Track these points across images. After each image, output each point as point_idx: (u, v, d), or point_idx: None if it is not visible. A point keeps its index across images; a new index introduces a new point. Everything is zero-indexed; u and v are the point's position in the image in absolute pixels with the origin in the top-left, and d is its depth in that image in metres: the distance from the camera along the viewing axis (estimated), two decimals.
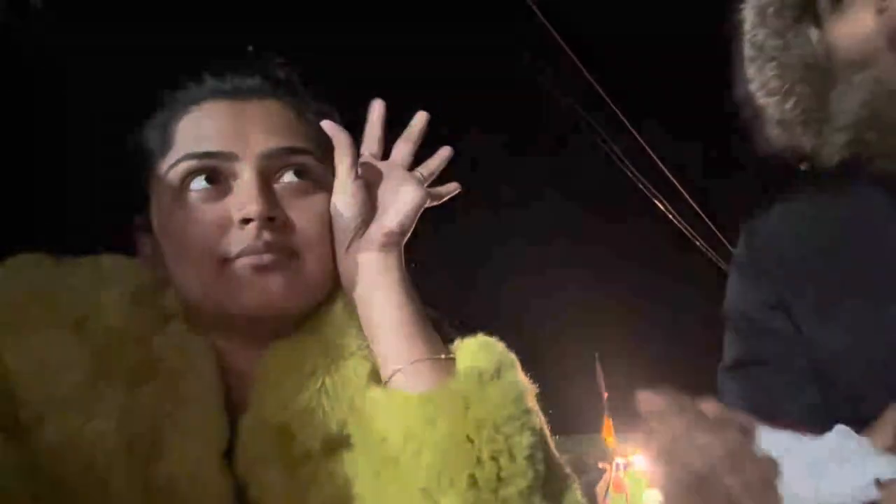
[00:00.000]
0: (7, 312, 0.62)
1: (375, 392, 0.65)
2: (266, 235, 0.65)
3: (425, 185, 0.73)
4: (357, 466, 0.63)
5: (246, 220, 0.65)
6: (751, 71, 0.75)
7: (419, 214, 0.72)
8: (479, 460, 0.58)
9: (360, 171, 0.72)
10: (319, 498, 0.63)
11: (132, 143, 0.72)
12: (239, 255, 0.65)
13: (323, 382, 0.66)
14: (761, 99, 0.74)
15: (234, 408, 0.66)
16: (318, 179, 0.71)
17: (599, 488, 8.18)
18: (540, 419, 0.65)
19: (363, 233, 0.70)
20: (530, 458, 0.60)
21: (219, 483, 0.62)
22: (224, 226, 0.66)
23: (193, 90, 0.71)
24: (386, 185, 0.73)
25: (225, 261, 0.65)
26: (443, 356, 0.66)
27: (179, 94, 0.72)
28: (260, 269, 0.65)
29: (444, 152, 0.77)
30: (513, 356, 0.67)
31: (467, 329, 0.70)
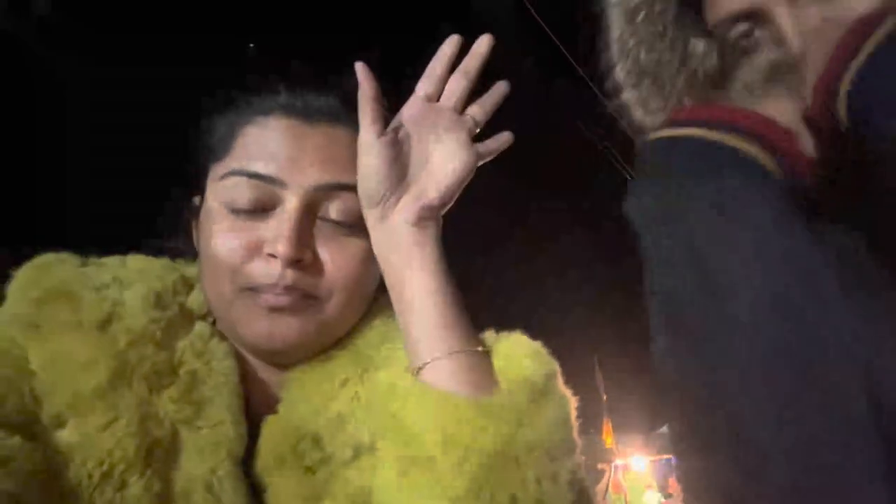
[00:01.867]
0: (32, 311, 0.62)
1: (407, 382, 0.61)
2: (290, 276, 0.63)
3: (476, 130, 0.68)
4: (380, 469, 0.61)
5: (273, 255, 0.63)
6: (621, 77, 0.71)
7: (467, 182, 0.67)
8: (524, 482, 0.56)
9: (397, 121, 0.67)
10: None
11: (201, 134, 0.70)
12: (259, 290, 0.64)
13: (356, 392, 0.65)
14: (637, 113, 0.71)
15: (253, 415, 0.65)
16: (360, 223, 0.67)
17: (599, 489, 8.18)
18: (577, 436, 0.63)
19: (397, 199, 0.65)
20: (572, 482, 0.58)
21: (234, 490, 0.61)
22: (252, 252, 0.64)
23: (266, 98, 0.68)
24: (431, 135, 0.67)
25: (244, 289, 0.64)
26: (479, 348, 0.63)
27: (253, 97, 0.68)
28: (276, 309, 0.64)
29: (501, 87, 0.70)
30: (555, 364, 0.64)
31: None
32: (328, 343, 0.68)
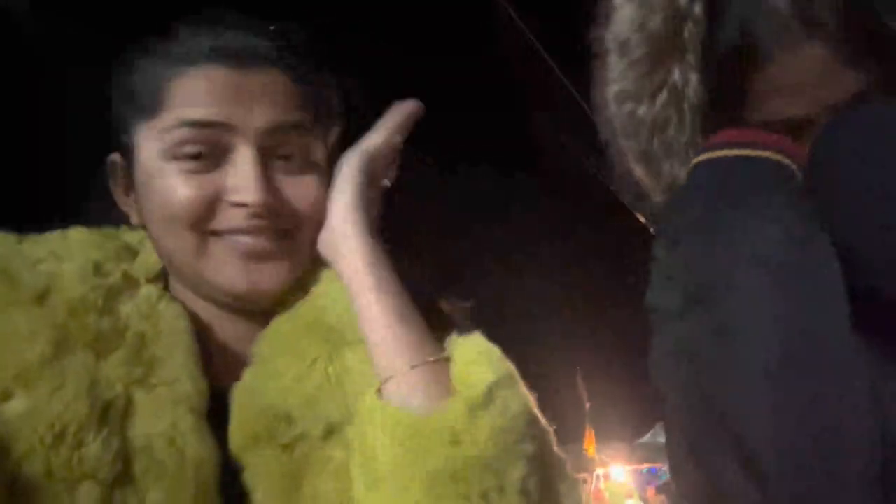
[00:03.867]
0: None
1: (371, 400, 0.61)
2: (259, 220, 0.64)
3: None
4: (354, 480, 0.60)
5: (239, 205, 0.63)
6: (619, 123, 0.72)
7: (360, 172, 0.68)
8: (467, 498, 0.55)
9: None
10: (315, 483, 0.61)
11: (118, 87, 0.69)
12: (228, 232, 0.64)
13: (327, 372, 0.64)
14: (631, 162, 0.72)
15: (216, 376, 0.65)
16: (314, 156, 0.69)
17: None
18: (538, 435, 0.60)
19: None
20: (522, 490, 0.56)
21: (199, 447, 0.61)
22: (212, 201, 0.64)
23: (190, 45, 0.66)
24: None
25: (210, 233, 0.64)
26: (433, 358, 0.62)
27: (174, 46, 0.67)
28: (251, 255, 0.64)
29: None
30: (508, 366, 0.62)
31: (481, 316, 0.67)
32: (298, 283, 0.68)
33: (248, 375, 0.65)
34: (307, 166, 0.68)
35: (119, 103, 0.68)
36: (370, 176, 0.69)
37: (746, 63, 0.65)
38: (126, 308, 0.65)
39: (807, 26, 0.63)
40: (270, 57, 0.68)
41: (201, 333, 0.67)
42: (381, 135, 0.70)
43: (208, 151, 0.64)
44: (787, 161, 0.58)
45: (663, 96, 0.67)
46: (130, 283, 0.67)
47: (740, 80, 0.65)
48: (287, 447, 0.62)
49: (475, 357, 0.61)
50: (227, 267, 0.65)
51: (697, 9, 0.65)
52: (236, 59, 0.66)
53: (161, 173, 0.65)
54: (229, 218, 0.64)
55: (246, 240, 0.64)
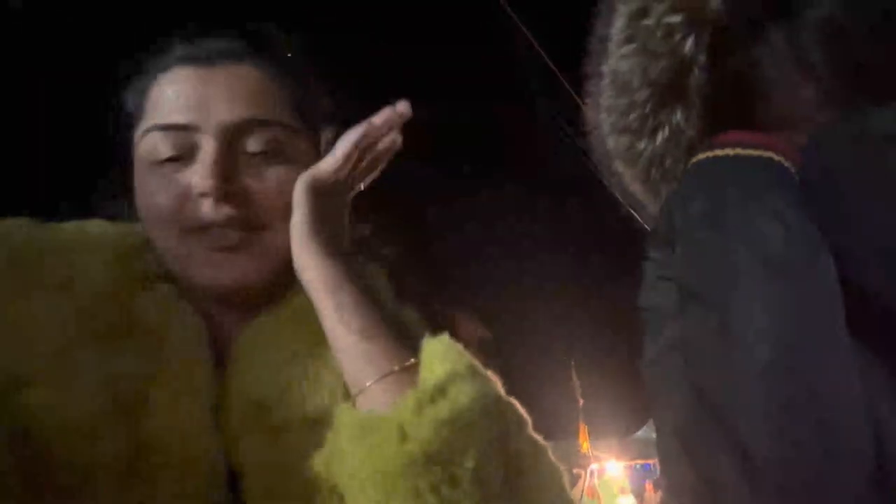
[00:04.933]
0: None
1: (341, 412, 0.61)
2: (227, 210, 0.65)
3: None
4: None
5: (203, 195, 0.65)
6: (612, 146, 0.73)
7: (312, 189, 0.67)
8: (417, 493, 0.55)
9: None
10: (304, 469, 0.61)
11: (115, 105, 0.72)
12: (203, 229, 0.65)
13: (305, 367, 0.65)
14: (628, 180, 0.73)
15: (224, 370, 0.66)
16: (288, 151, 0.69)
17: (574, 494, 8.20)
18: (497, 424, 0.60)
19: None
20: (476, 479, 0.56)
21: (209, 440, 0.62)
22: (187, 197, 0.66)
23: (164, 55, 0.70)
24: None
25: (189, 231, 0.65)
26: (408, 363, 0.62)
27: (154, 59, 0.70)
28: (225, 248, 0.65)
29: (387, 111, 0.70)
30: (467, 360, 0.61)
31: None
32: (282, 274, 0.68)
33: (232, 366, 0.66)
34: (280, 161, 0.68)
35: (115, 117, 0.71)
36: (324, 196, 0.68)
37: (744, 102, 0.66)
38: (144, 302, 0.66)
39: (802, 69, 0.64)
40: (239, 52, 0.69)
41: (210, 329, 0.68)
42: (330, 161, 0.69)
43: (180, 153, 0.66)
44: (784, 161, 0.59)
45: (664, 134, 0.68)
46: (148, 278, 0.68)
47: (738, 114, 0.67)
48: (274, 434, 0.63)
49: (434, 356, 0.61)
50: (202, 262, 0.66)
51: (701, 57, 0.66)
52: (206, 58, 0.68)
53: (144, 178, 0.68)
54: (199, 213, 0.65)
55: (216, 232, 0.65)
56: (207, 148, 0.66)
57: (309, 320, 0.67)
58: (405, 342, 0.64)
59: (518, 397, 0.63)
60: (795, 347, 0.51)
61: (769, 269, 0.53)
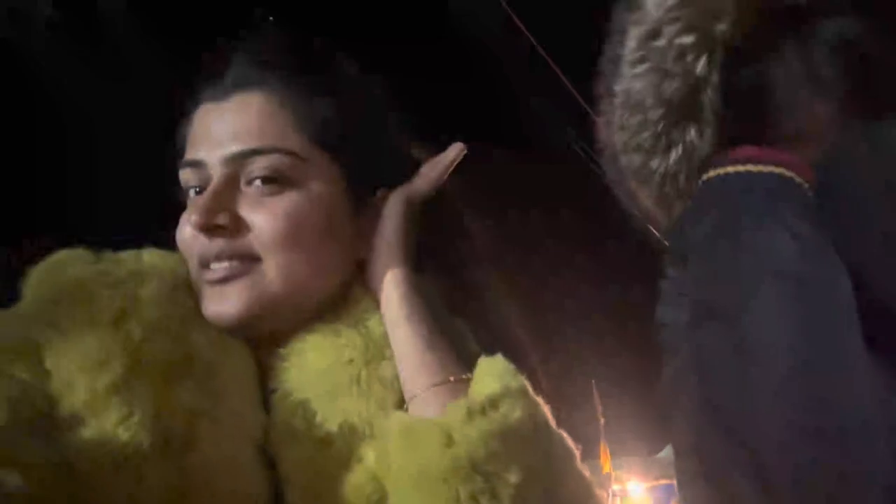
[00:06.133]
0: (47, 310, 0.62)
1: (393, 418, 0.63)
2: (218, 244, 0.66)
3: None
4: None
5: (198, 230, 0.67)
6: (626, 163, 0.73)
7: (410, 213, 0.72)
8: (457, 501, 0.55)
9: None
10: (348, 480, 0.62)
11: (176, 143, 0.75)
12: (205, 263, 0.67)
13: (359, 373, 0.65)
14: (641, 198, 0.73)
15: (269, 397, 0.67)
16: (294, 177, 0.69)
17: None
18: (546, 448, 0.61)
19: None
20: (517, 497, 0.56)
21: (255, 476, 0.62)
22: (194, 233, 0.68)
23: (196, 94, 0.73)
24: None
25: (199, 265, 0.68)
26: (463, 376, 0.64)
27: (192, 96, 0.73)
28: (219, 280, 0.66)
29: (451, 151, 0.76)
30: (521, 381, 0.63)
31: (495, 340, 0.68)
32: (292, 311, 0.69)
33: (281, 374, 0.67)
34: (284, 189, 0.68)
35: (173, 151, 0.74)
36: (413, 217, 0.72)
37: (757, 118, 0.67)
38: (197, 336, 0.66)
39: (815, 85, 0.65)
40: (250, 81, 0.70)
41: (258, 359, 0.69)
42: (426, 180, 0.74)
43: (200, 185, 0.69)
44: (797, 177, 0.59)
45: (677, 152, 0.69)
46: (201, 310, 0.68)
47: (751, 131, 0.67)
48: (324, 441, 0.63)
49: (488, 372, 0.63)
50: (206, 296, 0.67)
51: (714, 76, 0.67)
52: (222, 92, 0.70)
53: (185, 211, 0.70)
54: (199, 248, 0.67)
55: (213, 266, 0.67)
56: (212, 182, 0.68)
57: (368, 336, 0.68)
58: (463, 357, 0.66)
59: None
60: (811, 362, 0.51)
61: (783, 283, 0.53)
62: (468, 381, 0.64)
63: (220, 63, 0.71)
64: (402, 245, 0.70)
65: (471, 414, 0.58)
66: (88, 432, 0.58)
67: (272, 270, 0.67)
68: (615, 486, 8.79)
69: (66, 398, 0.59)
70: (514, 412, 0.59)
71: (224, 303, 0.66)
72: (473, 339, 0.73)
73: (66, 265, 0.66)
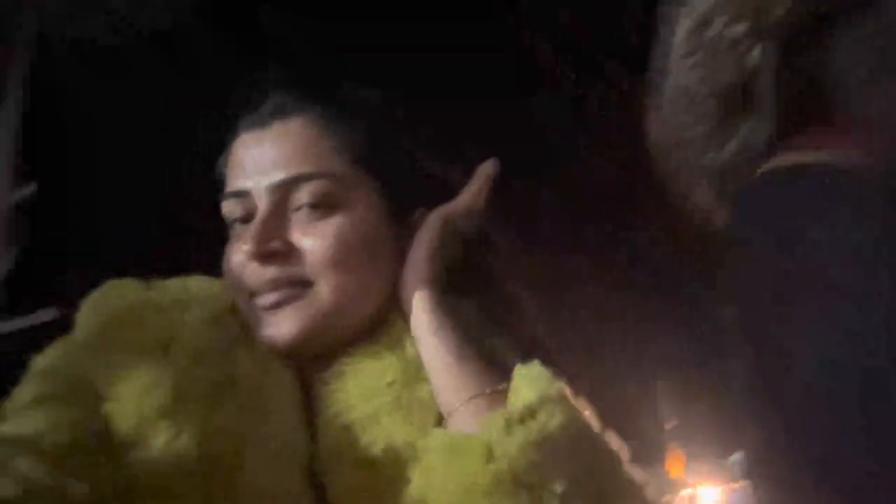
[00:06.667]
0: (98, 338, 0.64)
1: (434, 435, 0.62)
2: (272, 271, 0.67)
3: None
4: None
5: (249, 259, 0.67)
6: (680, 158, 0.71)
7: (444, 234, 0.71)
8: None
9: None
10: (396, 501, 0.61)
11: (217, 173, 0.76)
12: (257, 291, 0.68)
13: (399, 396, 0.65)
14: (696, 193, 0.71)
15: (312, 421, 0.67)
16: (340, 200, 0.69)
17: None
18: (590, 454, 0.59)
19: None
20: None
21: (302, 498, 0.63)
22: (244, 262, 0.68)
23: (235, 124, 0.73)
24: None
25: (250, 294, 0.68)
26: (490, 389, 0.63)
27: (230, 127, 0.74)
28: (272, 306, 0.67)
29: (485, 170, 0.75)
30: (559, 386, 0.61)
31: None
32: (341, 331, 0.69)
33: (325, 398, 0.67)
34: (331, 212, 0.69)
35: (215, 181, 0.75)
36: (449, 236, 0.72)
37: (818, 105, 0.64)
38: (241, 360, 0.67)
39: (884, 63, 0.62)
40: (290, 108, 0.71)
41: (303, 382, 0.69)
42: (465, 200, 0.74)
43: (245, 215, 0.70)
44: (861, 163, 0.57)
45: (732, 146, 0.67)
46: (247, 334, 0.69)
47: (811, 118, 0.64)
48: (366, 467, 0.63)
49: (525, 380, 0.62)
50: (259, 324, 0.68)
51: (769, 64, 0.64)
52: (261, 121, 0.71)
53: (229, 241, 0.71)
54: (251, 277, 0.68)
55: (265, 294, 0.67)
56: (259, 211, 0.68)
57: (405, 356, 0.68)
58: (497, 368, 0.65)
59: (604, 421, 0.63)
60: (879, 373, 0.48)
61: (842, 283, 0.50)
62: (505, 391, 0.62)
63: (257, 93, 0.73)
64: (431, 263, 0.69)
65: (508, 425, 0.57)
66: (139, 454, 0.59)
67: (325, 293, 0.67)
68: (687, 490, 8.58)
69: (117, 422, 0.60)
70: (552, 419, 0.58)
71: (281, 327, 0.67)
72: (519, 351, 0.71)
73: (115, 293, 0.68)
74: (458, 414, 0.62)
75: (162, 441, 0.59)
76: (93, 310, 0.67)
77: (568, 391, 0.62)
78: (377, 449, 0.63)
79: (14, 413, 0.59)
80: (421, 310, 0.67)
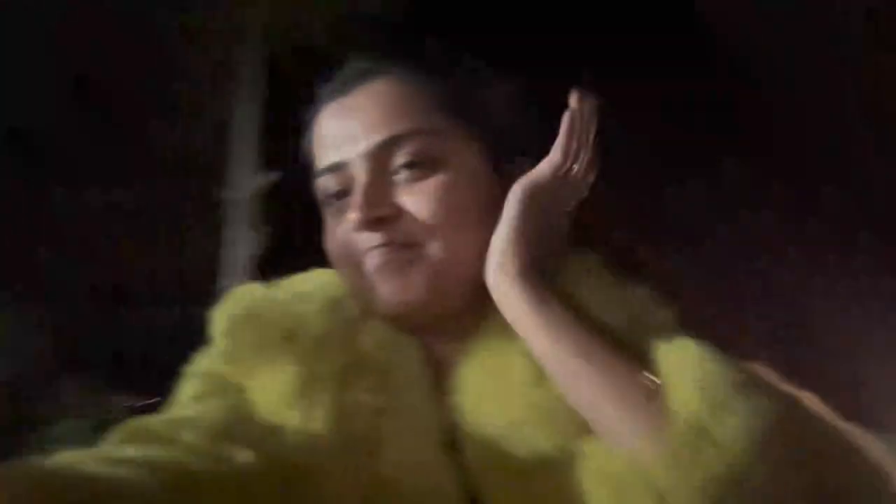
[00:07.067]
0: (226, 340, 0.68)
1: (585, 449, 0.58)
2: (382, 236, 0.65)
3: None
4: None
5: (357, 228, 0.65)
6: None
7: (528, 215, 0.64)
8: None
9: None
10: (539, 483, 0.59)
11: (301, 155, 0.74)
12: (367, 253, 0.66)
13: (532, 399, 0.61)
14: None
15: (443, 395, 0.65)
16: (439, 155, 0.66)
17: None
18: (789, 450, 0.50)
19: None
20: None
21: (440, 472, 0.61)
22: (350, 233, 0.66)
23: (319, 99, 0.71)
24: None
25: (358, 263, 0.66)
26: (636, 391, 0.55)
27: (311, 109, 0.72)
28: (385, 267, 0.65)
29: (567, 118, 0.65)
30: (724, 373, 0.53)
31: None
32: (460, 292, 0.66)
33: (459, 398, 0.64)
34: (433, 169, 0.65)
35: (305, 170, 0.75)
36: (538, 207, 0.65)
37: None
38: (366, 340, 0.66)
39: None
40: (373, 71, 0.68)
41: (429, 359, 0.68)
42: (551, 161, 0.65)
43: (343, 188, 0.67)
44: None
45: None
46: (367, 316, 0.68)
47: None
48: (522, 473, 0.59)
49: (678, 374, 0.54)
50: (372, 288, 0.66)
51: None
52: (343, 89, 0.69)
53: (325, 216, 0.70)
54: (360, 244, 0.66)
55: (375, 254, 0.65)
56: (359, 179, 0.66)
57: (526, 348, 0.62)
58: (631, 355, 0.57)
59: (839, 383, 0.55)
60: None
61: None
62: (656, 389, 0.54)
63: (335, 65, 0.71)
64: (515, 253, 0.63)
65: (677, 459, 0.50)
66: (279, 437, 0.60)
67: (438, 252, 0.64)
68: None
69: (259, 410, 0.63)
70: (729, 435, 0.50)
71: (399, 290, 0.64)
72: (659, 304, 0.64)
73: (237, 298, 0.71)
74: (605, 425, 0.56)
75: (296, 423, 0.61)
76: (220, 317, 0.71)
77: (736, 367, 0.54)
78: (531, 460, 0.59)
79: (177, 406, 0.64)
80: (521, 305, 0.61)
